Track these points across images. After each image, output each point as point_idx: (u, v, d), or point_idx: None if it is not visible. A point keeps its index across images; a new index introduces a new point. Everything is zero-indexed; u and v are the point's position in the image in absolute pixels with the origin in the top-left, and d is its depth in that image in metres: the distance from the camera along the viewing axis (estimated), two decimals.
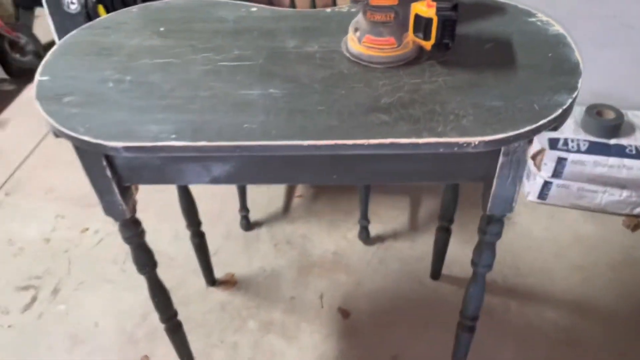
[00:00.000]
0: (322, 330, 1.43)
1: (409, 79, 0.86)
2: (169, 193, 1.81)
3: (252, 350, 1.40)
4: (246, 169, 0.88)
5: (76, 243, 1.69)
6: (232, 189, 1.81)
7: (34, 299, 1.54)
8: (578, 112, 1.70)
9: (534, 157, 1.68)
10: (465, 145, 0.76)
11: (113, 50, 0.95)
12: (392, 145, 0.77)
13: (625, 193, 1.62)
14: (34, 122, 2.20)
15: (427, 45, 0.86)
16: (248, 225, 1.71)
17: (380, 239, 1.67)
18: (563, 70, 0.86)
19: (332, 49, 0.93)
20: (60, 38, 1.81)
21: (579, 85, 0.83)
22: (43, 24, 2.65)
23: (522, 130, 0.76)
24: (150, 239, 1.74)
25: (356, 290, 1.53)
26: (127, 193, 0.94)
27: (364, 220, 1.62)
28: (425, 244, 1.64)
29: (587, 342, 1.37)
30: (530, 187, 1.74)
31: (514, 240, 1.64)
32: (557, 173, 1.63)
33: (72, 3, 1.76)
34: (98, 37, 0.99)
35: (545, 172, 1.65)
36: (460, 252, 1.57)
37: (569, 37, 0.94)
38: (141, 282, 1.56)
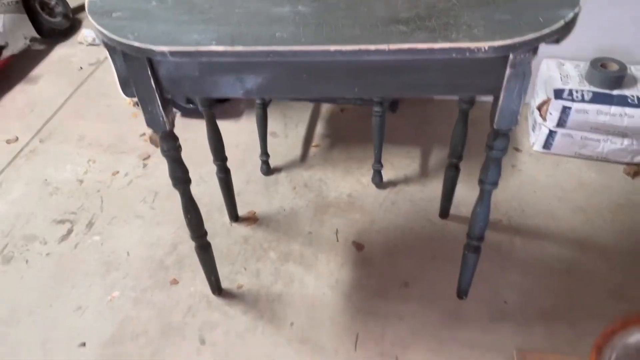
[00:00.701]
0: (338, 260, 1.54)
1: None
2: (193, 142, 1.93)
3: (273, 276, 1.50)
4: (276, 81, 0.98)
5: (107, 184, 1.80)
6: (253, 140, 1.91)
7: (69, 231, 1.65)
8: (583, 65, 1.78)
9: (539, 107, 1.76)
10: (476, 50, 0.85)
11: None
12: (410, 50, 0.86)
13: (626, 141, 1.70)
14: (64, 79, 2.33)
15: None
16: (268, 170, 1.82)
17: (392, 183, 1.77)
18: None
19: None
20: None
21: (580, 2, 0.92)
22: None
23: (527, 38, 0.85)
24: None
25: (369, 227, 1.63)
26: (167, 106, 1.04)
27: (378, 164, 1.71)
28: (434, 189, 1.73)
29: (587, 273, 1.47)
30: (535, 138, 1.82)
31: (519, 186, 1.73)
32: (561, 122, 1.71)
33: None
34: None
35: (550, 122, 1.73)
36: (467, 195, 1.67)
37: None
38: (170, 218, 1.68)
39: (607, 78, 1.68)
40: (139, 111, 2.13)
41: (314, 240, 1.60)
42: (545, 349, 1.31)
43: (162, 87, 0.99)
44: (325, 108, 2.09)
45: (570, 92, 1.69)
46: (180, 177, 1.17)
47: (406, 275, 1.49)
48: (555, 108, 1.70)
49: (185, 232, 1.63)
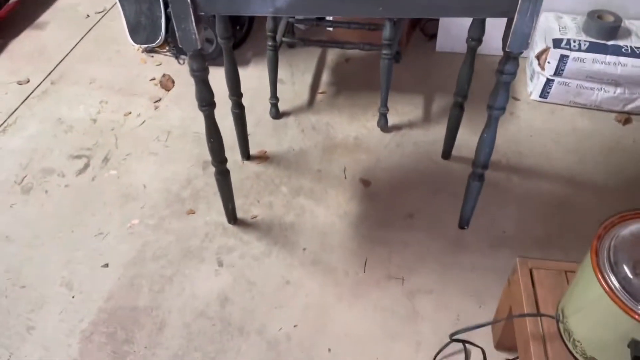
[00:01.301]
0: (346, 194, 1.62)
1: None
2: None
3: (285, 207, 1.58)
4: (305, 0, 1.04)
5: (121, 123, 1.85)
6: (262, 86, 1.97)
7: (86, 166, 1.71)
8: (580, 18, 1.86)
9: (538, 56, 1.84)
10: None
11: None
12: None
13: (618, 90, 1.80)
14: (72, 26, 2.34)
15: None
16: (277, 113, 1.88)
17: (397, 127, 1.85)
18: None
19: None
20: None
21: None
22: None
23: None
24: (188, 124, 1.92)
25: (375, 166, 1.71)
26: (199, 24, 1.10)
27: (384, 108, 1.79)
28: (437, 133, 1.81)
29: (578, 206, 1.57)
30: (533, 87, 1.91)
31: (517, 131, 1.82)
32: (558, 71, 1.80)
33: None
34: None
35: (548, 71, 1.82)
36: (469, 139, 1.75)
37: None
38: (183, 156, 1.75)
39: (603, 28, 1.77)
40: (147, 57, 2.17)
41: (323, 177, 1.68)
42: None
43: (197, 4, 1.05)
44: (331, 57, 2.15)
45: (568, 41, 1.78)
46: (207, 98, 1.23)
47: (411, 208, 1.58)
48: (553, 57, 1.78)
49: (199, 169, 1.70)
